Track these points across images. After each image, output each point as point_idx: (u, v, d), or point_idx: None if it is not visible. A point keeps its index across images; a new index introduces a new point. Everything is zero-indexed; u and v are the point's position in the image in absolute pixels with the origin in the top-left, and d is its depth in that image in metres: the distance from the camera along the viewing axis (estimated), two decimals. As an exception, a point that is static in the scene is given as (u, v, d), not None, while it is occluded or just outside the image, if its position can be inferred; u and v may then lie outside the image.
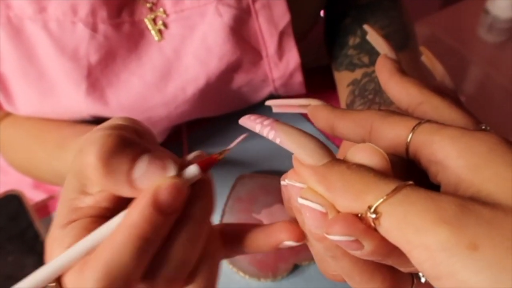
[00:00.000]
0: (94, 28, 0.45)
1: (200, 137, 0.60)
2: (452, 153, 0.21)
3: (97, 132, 0.24)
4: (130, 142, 0.25)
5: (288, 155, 0.63)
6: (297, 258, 0.50)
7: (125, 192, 0.24)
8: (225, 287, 0.50)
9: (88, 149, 0.24)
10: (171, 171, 0.24)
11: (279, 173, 0.58)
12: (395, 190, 0.20)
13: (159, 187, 0.23)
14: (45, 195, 0.58)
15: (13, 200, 0.54)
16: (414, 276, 0.25)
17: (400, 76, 0.30)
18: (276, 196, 0.54)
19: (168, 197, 0.23)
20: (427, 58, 0.36)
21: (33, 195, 0.58)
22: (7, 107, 0.50)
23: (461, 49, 0.81)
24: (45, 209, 0.55)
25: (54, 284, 0.24)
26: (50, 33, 0.45)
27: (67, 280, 0.24)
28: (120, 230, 0.23)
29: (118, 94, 0.48)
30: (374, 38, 0.36)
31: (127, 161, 0.24)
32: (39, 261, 0.50)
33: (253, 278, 0.49)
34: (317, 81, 0.60)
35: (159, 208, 0.23)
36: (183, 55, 0.48)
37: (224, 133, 0.60)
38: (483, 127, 0.26)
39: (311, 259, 0.51)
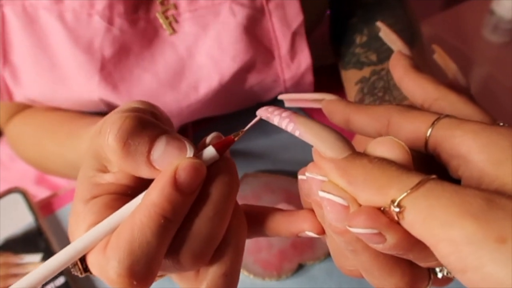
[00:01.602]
0: (110, 21, 0.45)
1: (206, 134, 0.59)
2: (474, 147, 0.21)
3: (115, 114, 0.25)
4: (148, 123, 0.25)
5: (293, 154, 0.63)
6: (301, 258, 0.50)
7: (144, 173, 0.25)
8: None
9: (106, 131, 0.24)
10: (189, 152, 0.24)
11: (283, 172, 0.58)
12: (419, 184, 0.19)
13: (178, 167, 0.23)
14: (48, 191, 0.58)
15: (17, 197, 0.54)
16: (431, 271, 0.24)
17: (415, 72, 0.30)
18: (281, 195, 0.54)
19: (187, 177, 0.23)
20: (440, 56, 0.36)
21: (36, 191, 0.58)
22: (15, 91, 0.50)
23: (465, 49, 0.81)
24: (49, 206, 0.55)
25: (79, 262, 0.25)
26: (65, 23, 0.45)
27: (91, 259, 0.24)
28: (140, 210, 0.23)
29: (130, 90, 0.48)
30: (387, 34, 0.36)
31: (146, 142, 0.24)
32: (43, 259, 0.49)
33: (258, 277, 0.49)
34: (321, 80, 0.60)
35: (178, 188, 0.23)
36: (196, 54, 0.49)
37: (230, 131, 0.59)
38: (501, 124, 0.26)
39: (315, 258, 0.50)
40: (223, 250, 0.26)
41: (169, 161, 0.24)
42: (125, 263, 0.22)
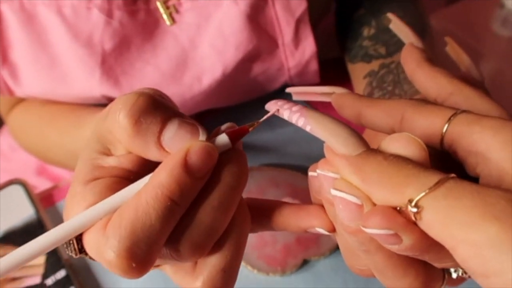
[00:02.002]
0: (109, 14, 0.45)
1: (211, 127, 0.59)
2: (495, 145, 0.21)
3: (126, 95, 0.24)
4: (161, 104, 0.24)
5: (299, 147, 0.62)
6: (306, 254, 0.50)
7: (153, 154, 0.24)
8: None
9: (117, 108, 0.23)
10: (201, 136, 0.24)
11: (288, 166, 0.57)
12: (438, 183, 0.19)
13: (190, 149, 0.23)
14: (49, 182, 0.57)
15: (17, 189, 0.53)
16: (445, 271, 0.24)
17: (429, 65, 0.29)
18: (285, 189, 0.53)
19: (198, 159, 0.22)
20: (452, 48, 0.35)
21: (37, 182, 0.57)
22: (16, 89, 0.49)
23: (475, 43, 0.80)
24: (49, 198, 0.54)
25: (74, 241, 0.24)
26: (64, 18, 0.44)
27: (88, 239, 0.23)
28: (147, 190, 0.22)
29: (132, 83, 0.48)
30: (398, 26, 0.35)
31: (158, 122, 0.23)
32: (44, 252, 0.49)
33: (262, 272, 0.49)
34: (327, 74, 0.59)
35: (188, 170, 0.22)
36: (199, 45, 0.48)
37: (237, 123, 0.59)
38: (518, 119, 0.25)
39: (320, 254, 0.50)
40: (224, 244, 0.25)
41: (180, 144, 0.23)
42: (126, 243, 0.21)
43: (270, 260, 0.49)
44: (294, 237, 0.50)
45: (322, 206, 0.26)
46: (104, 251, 0.22)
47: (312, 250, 0.50)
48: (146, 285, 0.47)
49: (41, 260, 0.48)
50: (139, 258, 0.22)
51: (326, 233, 0.26)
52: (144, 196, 0.22)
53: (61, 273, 0.47)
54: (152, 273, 0.48)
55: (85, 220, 0.23)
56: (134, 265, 0.22)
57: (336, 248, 0.49)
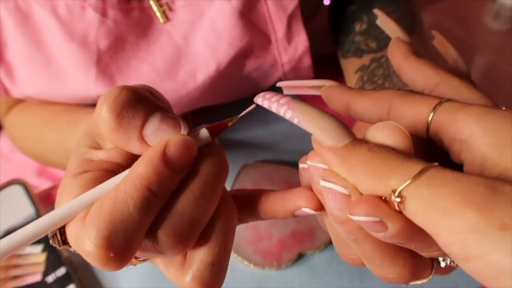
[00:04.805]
0: (103, 13, 0.45)
1: (206, 123, 0.59)
2: (478, 131, 0.21)
3: (110, 89, 0.24)
4: (144, 98, 0.24)
5: (293, 144, 0.62)
6: (301, 247, 0.50)
7: (135, 148, 0.24)
8: (229, 276, 0.49)
9: (101, 102, 0.24)
10: (182, 130, 0.24)
11: (283, 162, 0.58)
12: (420, 173, 0.19)
13: (169, 142, 0.23)
14: (49, 182, 0.57)
15: (18, 189, 0.54)
16: (434, 261, 0.24)
17: (415, 58, 0.30)
18: (281, 185, 0.54)
19: (177, 152, 0.23)
20: (439, 42, 0.36)
21: (37, 183, 0.57)
22: (12, 89, 0.50)
23: (467, 37, 0.80)
24: (49, 198, 0.55)
25: (58, 233, 0.24)
26: (59, 18, 0.45)
27: (69, 230, 0.23)
28: (125, 180, 0.23)
29: (128, 81, 0.48)
30: (384, 21, 0.35)
31: (140, 116, 0.24)
32: (44, 250, 0.49)
33: (258, 267, 0.49)
34: (321, 70, 0.59)
35: (167, 162, 0.23)
36: (193, 42, 0.48)
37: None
38: (504, 108, 0.25)
39: (315, 248, 0.50)
40: (210, 238, 0.25)
41: (162, 138, 0.23)
42: (104, 233, 0.21)
43: (266, 254, 0.50)
44: (289, 231, 0.51)
45: (307, 187, 0.26)
46: (83, 242, 0.22)
47: (307, 244, 0.50)
48: (144, 282, 0.48)
49: (42, 258, 0.49)
50: (118, 248, 0.22)
51: (313, 212, 0.25)
52: (122, 186, 0.22)
53: (61, 271, 0.48)
54: (149, 271, 0.48)
55: (66, 212, 0.23)
56: (112, 255, 0.22)
57: (331, 242, 0.50)
